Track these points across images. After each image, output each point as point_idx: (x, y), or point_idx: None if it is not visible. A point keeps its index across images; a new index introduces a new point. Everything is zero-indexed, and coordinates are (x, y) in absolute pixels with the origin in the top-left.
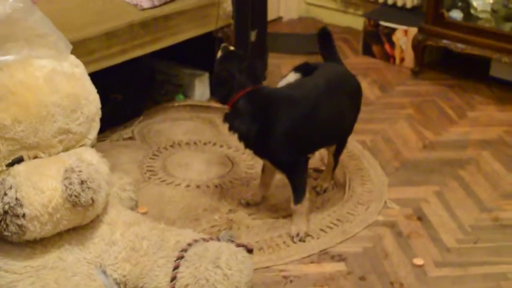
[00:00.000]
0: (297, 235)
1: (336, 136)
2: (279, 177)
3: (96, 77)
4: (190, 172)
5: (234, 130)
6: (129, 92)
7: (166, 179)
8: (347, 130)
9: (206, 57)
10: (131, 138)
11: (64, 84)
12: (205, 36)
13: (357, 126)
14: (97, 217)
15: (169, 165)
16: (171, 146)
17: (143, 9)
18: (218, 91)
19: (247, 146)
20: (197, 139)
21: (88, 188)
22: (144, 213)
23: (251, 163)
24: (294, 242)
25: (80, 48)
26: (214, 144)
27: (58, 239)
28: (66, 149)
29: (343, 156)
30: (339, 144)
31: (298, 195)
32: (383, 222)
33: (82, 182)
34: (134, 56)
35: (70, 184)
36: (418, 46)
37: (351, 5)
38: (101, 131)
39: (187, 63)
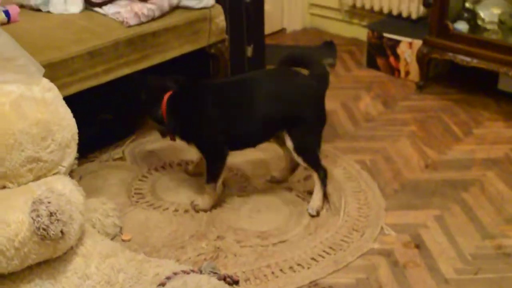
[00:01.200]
0: (196, 206)
1: (258, 138)
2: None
3: (84, 97)
4: (180, 195)
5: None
6: (120, 111)
7: (154, 203)
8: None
9: (201, 72)
10: (121, 158)
11: (33, 110)
12: (200, 50)
13: (358, 144)
14: (71, 248)
15: (159, 188)
16: (162, 167)
17: (129, 26)
18: (151, 112)
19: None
20: (189, 159)
21: (58, 220)
22: (128, 240)
23: (244, 185)
24: (192, 209)
25: (62, 68)
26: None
27: (28, 273)
28: (37, 178)
29: (340, 177)
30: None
31: (210, 177)
32: (379, 250)
33: (51, 214)
34: (120, 75)
35: (38, 216)
36: (423, 59)
37: (355, 15)
38: (91, 151)
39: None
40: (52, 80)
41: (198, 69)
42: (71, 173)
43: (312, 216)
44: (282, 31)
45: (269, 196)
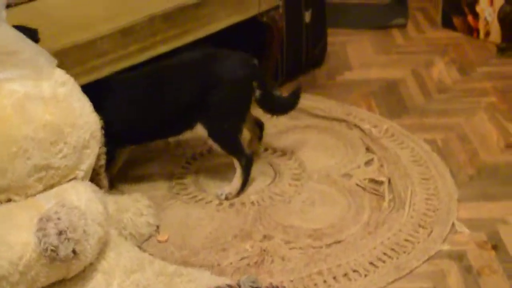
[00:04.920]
0: (228, 195)
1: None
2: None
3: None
4: (224, 185)
5: None
6: None
7: (196, 195)
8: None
9: (253, 41)
10: (164, 142)
11: (39, 112)
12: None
13: (428, 120)
14: (90, 264)
15: (202, 177)
16: (208, 151)
17: None
18: None
19: None
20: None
21: (68, 239)
22: (164, 241)
23: (297, 172)
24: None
25: (90, 50)
26: (259, 148)
27: None
28: (48, 187)
29: (406, 161)
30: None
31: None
32: (449, 252)
33: (60, 233)
34: (157, 53)
35: (45, 236)
36: (505, 19)
37: None
38: None
39: (235, 47)
40: (80, 63)
41: (251, 40)
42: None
43: (219, 200)
44: None
45: (324, 185)
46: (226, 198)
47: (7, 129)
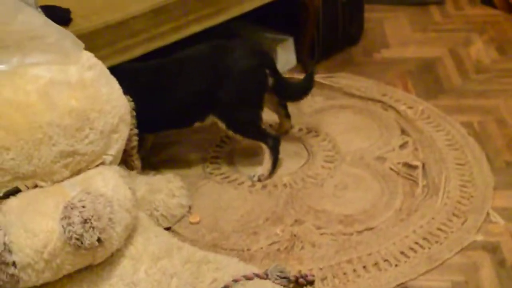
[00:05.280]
0: (260, 176)
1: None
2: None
3: None
4: (257, 166)
5: None
6: None
7: (229, 175)
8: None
9: (290, 18)
10: None
11: (64, 98)
12: None
13: (465, 101)
14: (118, 250)
15: (236, 156)
16: None
17: None
18: None
19: None
20: (273, 120)
21: (93, 228)
22: (196, 223)
23: (330, 154)
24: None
25: (122, 30)
26: (292, 127)
27: (67, 281)
28: (75, 173)
29: (442, 145)
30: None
31: None
32: (483, 243)
33: (85, 221)
34: (190, 33)
35: (70, 224)
36: None
37: None
38: None
39: (271, 25)
40: (112, 43)
41: (287, 17)
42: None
43: (252, 181)
44: None
45: (358, 169)
46: (259, 180)
47: (31, 115)
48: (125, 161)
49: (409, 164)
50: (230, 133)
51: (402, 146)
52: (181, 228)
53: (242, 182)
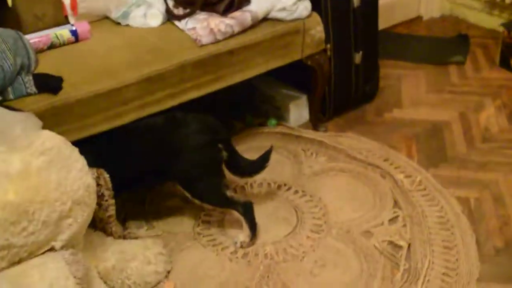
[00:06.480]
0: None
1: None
2: None
3: None
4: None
5: None
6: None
7: (216, 238)
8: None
9: (304, 78)
10: None
11: (0, 191)
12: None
13: (465, 173)
14: None
15: (228, 217)
16: (242, 186)
17: (202, 45)
18: None
19: None
20: (272, 179)
21: None
22: None
23: (319, 223)
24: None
25: (114, 97)
26: (289, 188)
27: None
28: (17, 262)
29: (432, 222)
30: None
31: None
32: None
33: None
34: (188, 99)
35: None
36: None
37: (496, 6)
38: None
39: (289, 81)
40: (103, 111)
41: (302, 78)
42: None
43: (235, 247)
44: (417, 19)
45: (342, 243)
46: (242, 247)
47: None
48: (103, 228)
49: (395, 243)
50: (196, 201)
51: (392, 220)
52: None
53: (226, 247)
